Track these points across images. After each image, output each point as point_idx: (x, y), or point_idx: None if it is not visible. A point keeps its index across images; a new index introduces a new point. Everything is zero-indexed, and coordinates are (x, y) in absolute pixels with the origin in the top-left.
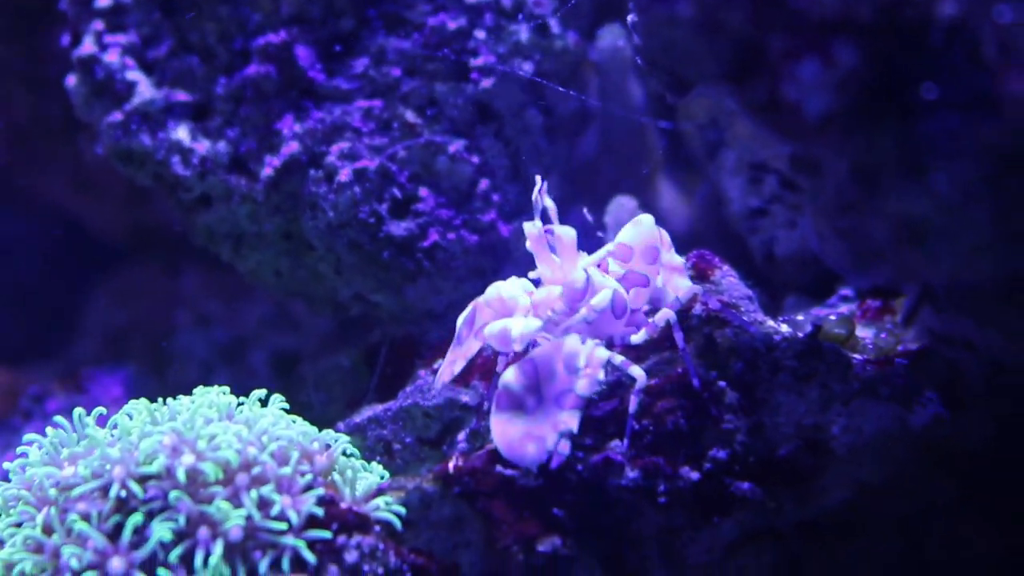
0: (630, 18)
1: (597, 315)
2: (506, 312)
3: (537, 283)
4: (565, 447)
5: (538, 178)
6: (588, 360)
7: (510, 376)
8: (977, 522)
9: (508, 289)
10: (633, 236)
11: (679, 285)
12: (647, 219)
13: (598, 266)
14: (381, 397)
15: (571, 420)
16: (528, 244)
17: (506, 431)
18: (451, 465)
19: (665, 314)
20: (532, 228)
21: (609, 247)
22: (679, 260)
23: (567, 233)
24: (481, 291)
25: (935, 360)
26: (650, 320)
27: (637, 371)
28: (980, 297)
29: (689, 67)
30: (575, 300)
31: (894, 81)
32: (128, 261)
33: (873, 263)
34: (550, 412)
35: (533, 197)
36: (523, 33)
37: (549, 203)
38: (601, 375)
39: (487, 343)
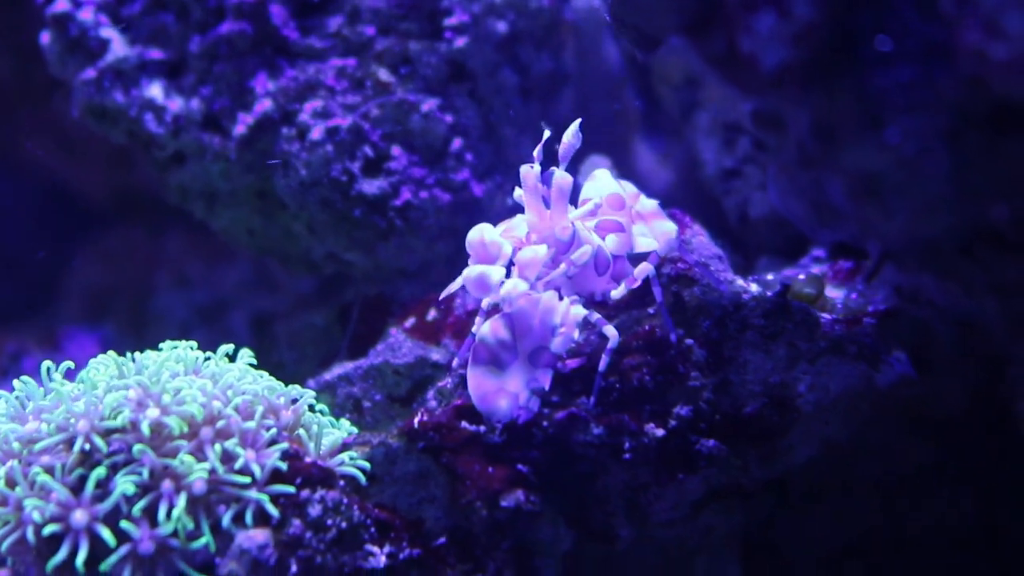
0: None
1: (578, 270)
2: (487, 257)
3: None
4: (535, 404)
5: (545, 131)
6: (564, 318)
7: (487, 330)
8: (951, 488)
9: (491, 233)
10: (592, 191)
11: (664, 229)
12: (602, 172)
13: None
14: (353, 356)
15: (544, 378)
16: (521, 188)
17: (481, 384)
18: (416, 420)
19: (644, 269)
20: (530, 172)
21: (589, 205)
22: (652, 204)
23: (565, 180)
24: (454, 250)
25: (903, 320)
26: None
27: (610, 330)
28: (939, 251)
29: (652, 20)
30: (560, 252)
31: (851, 34)
32: (111, 224)
33: (833, 219)
34: (524, 368)
35: (535, 150)
36: None
37: (567, 140)
38: (576, 334)
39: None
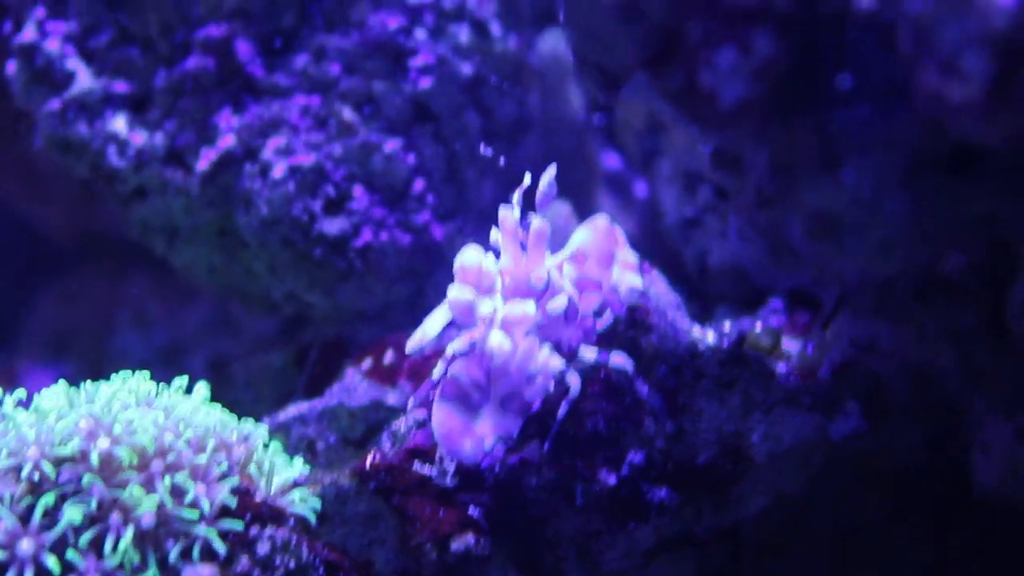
0: (561, 14)
1: (549, 319)
2: (478, 284)
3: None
4: (499, 450)
5: (527, 175)
6: (542, 368)
7: (460, 368)
8: (908, 540)
9: (489, 264)
10: (588, 239)
11: (630, 282)
12: (602, 221)
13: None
14: (310, 397)
15: (513, 425)
16: (499, 230)
17: (446, 421)
18: (368, 461)
19: (607, 319)
20: (509, 215)
21: (569, 249)
22: (633, 258)
23: (543, 227)
24: (414, 292)
25: (858, 372)
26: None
27: (573, 378)
28: (893, 296)
29: (611, 55)
30: (534, 298)
31: (811, 71)
32: (73, 263)
33: (791, 262)
34: (494, 412)
35: (514, 195)
36: (463, 34)
37: (544, 187)
38: (551, 386)
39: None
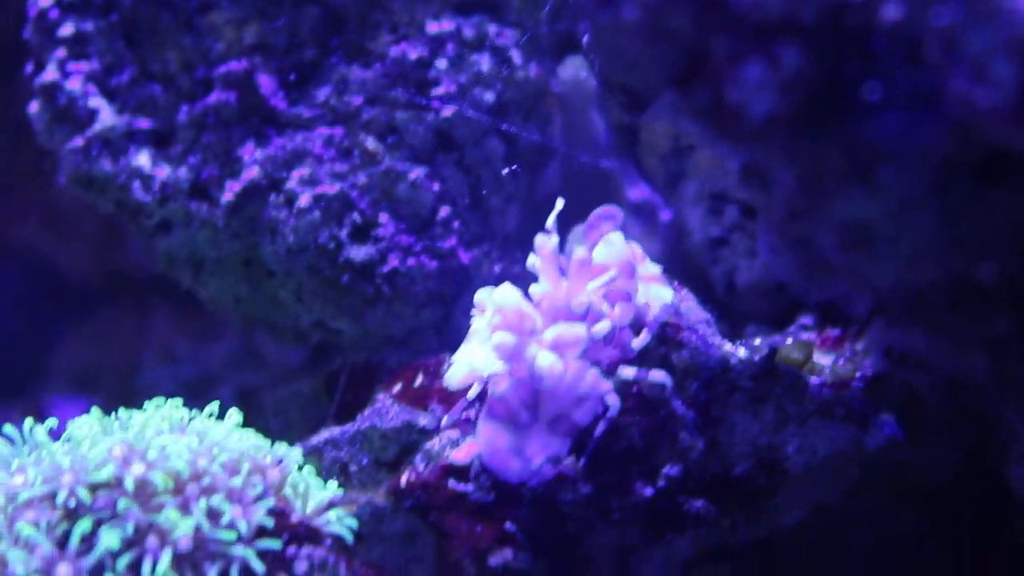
0: (584, 38)
1: (592, 342)
2: (518, 327)
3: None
4: (548, 471)
5: (559, 200)
6: (591, 390)
7: (507, 386)
8: (945, 555)
9: (527, 306)
10: (607, 255)
11: (660, 295)
12: (616, 236)
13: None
14: (340, 422)
15: (562, 446)
16: (536, 258)
17: (494, 440)
18: (403, 479)
19: (644, 338)
20: (547, 241)
21: (606, 277)
22: (656, 269)
23: (586, 255)
24: (441, 318)
25: (892, 384)
26: (633, 342)
27: (612, 398)
28: (928, 305)
29: (637, 75)
30: (570, 320)
31: (839, 83)
32: (98, 303)
33: (823, 274)
34: (542, 433)
35: (549, 220)
36: (484, 63)
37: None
38: (600, 409)
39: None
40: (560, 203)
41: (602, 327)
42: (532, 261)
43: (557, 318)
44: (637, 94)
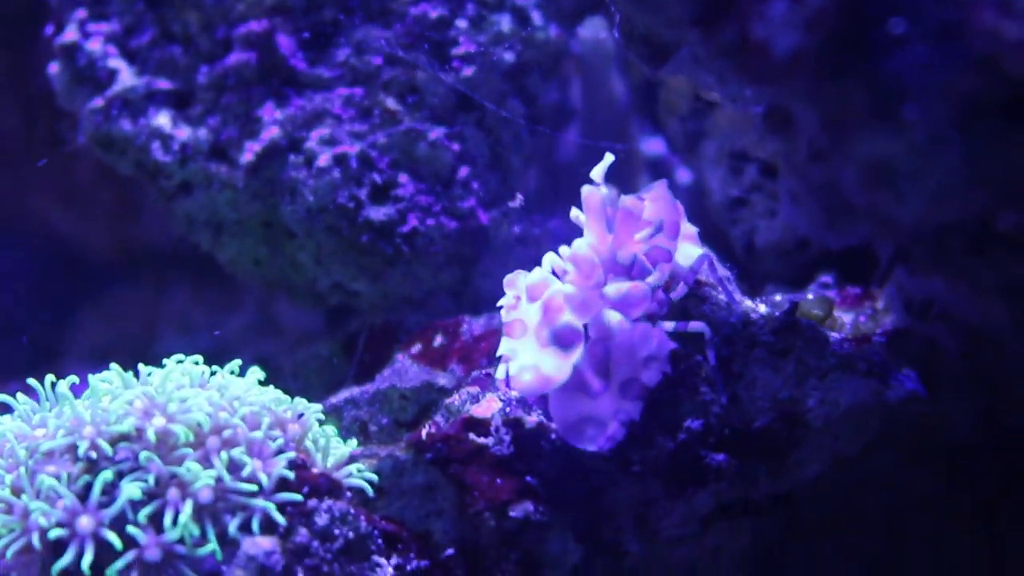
0: None
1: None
2: (589, 279)
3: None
4: (621, 434)
5: (608, 155)
6: (658, 349)
7: (579, 357)
8: (962, 520)
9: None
10: (655, 211)
11: (690, 253)
12: (662, 189)
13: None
14: (360, 383)
15: (634, 409)
16: (583, 210)
17: (567, 410)
18: (424, 432)
19: (681, 290)
20: (595, 193)
21: (650, 229)
22: (693, 230)
23: (636, 206)
24: (460, 279)
25: (912, 338)
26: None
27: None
28: (948, 251)
29: (662, 16)
30: (616, 274)
31: (863, 18)
32: (116, 277)
33: (846, 219)
34: (613, 398)
35: (597, 172)
36: (504, 23)
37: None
38: (668, 366)
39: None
40: (609, 157)
41: (657, 278)
42: (575, 214)
43: (606, 270)
44: (659, 45)
